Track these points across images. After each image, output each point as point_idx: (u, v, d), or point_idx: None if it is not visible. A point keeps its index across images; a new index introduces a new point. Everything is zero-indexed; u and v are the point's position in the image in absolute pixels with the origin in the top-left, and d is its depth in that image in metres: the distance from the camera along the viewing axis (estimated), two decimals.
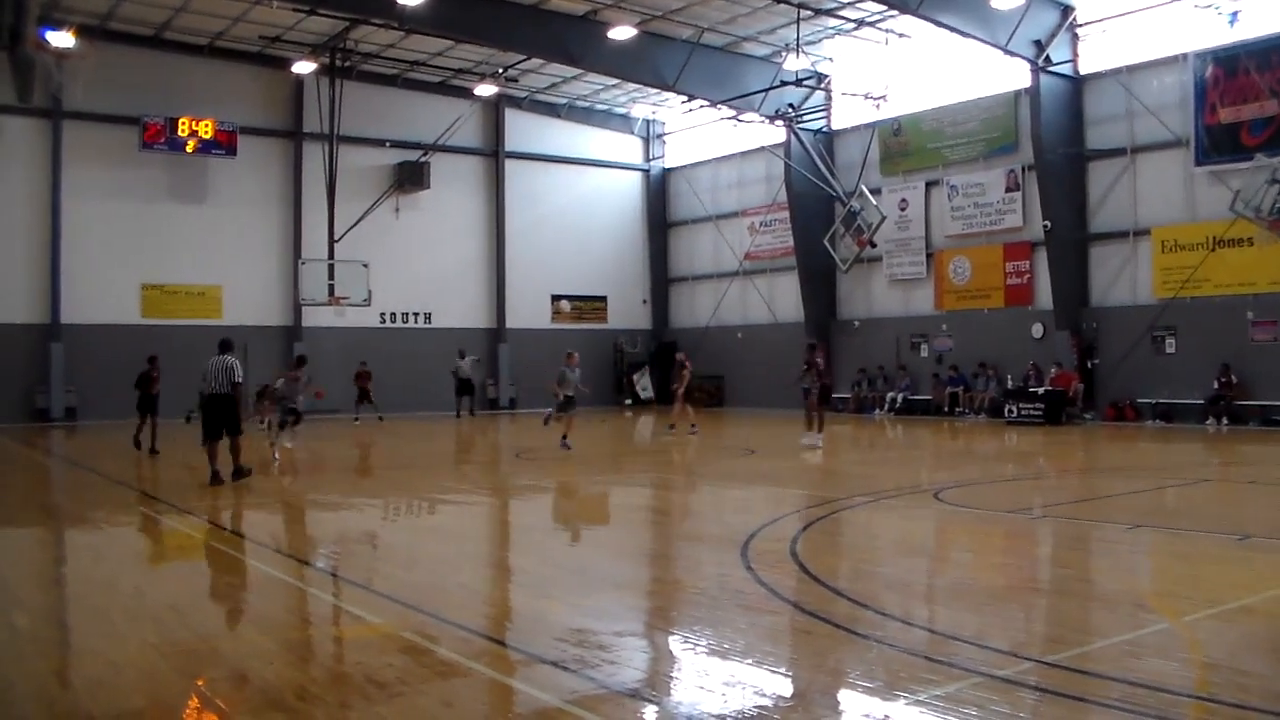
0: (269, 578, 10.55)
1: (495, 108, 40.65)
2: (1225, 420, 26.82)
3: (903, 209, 34.92)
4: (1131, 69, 29.14)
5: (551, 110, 41.93)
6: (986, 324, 32.73)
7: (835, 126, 37.44)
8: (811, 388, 24.18)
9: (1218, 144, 27.26)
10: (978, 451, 23.55)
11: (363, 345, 35.69)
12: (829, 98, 36.83)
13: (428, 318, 39.33)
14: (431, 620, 8.28)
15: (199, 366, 17.33)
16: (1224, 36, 27.06)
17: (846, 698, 6.49)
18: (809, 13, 31.11)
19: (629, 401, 42.40)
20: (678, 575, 10.64)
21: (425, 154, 38.07)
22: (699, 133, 42.77)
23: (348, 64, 35.72)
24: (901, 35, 32.97)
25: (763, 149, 38.41)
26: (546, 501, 15.52)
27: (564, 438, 22.46)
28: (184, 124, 34.07)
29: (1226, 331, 27.33)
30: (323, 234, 35.08)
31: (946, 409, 32.83)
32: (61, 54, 30.20)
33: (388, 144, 38.37)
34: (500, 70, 37.02)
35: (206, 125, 34.44)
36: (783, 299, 39.34)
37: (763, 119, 36.08)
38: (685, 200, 43.68)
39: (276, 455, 21.16)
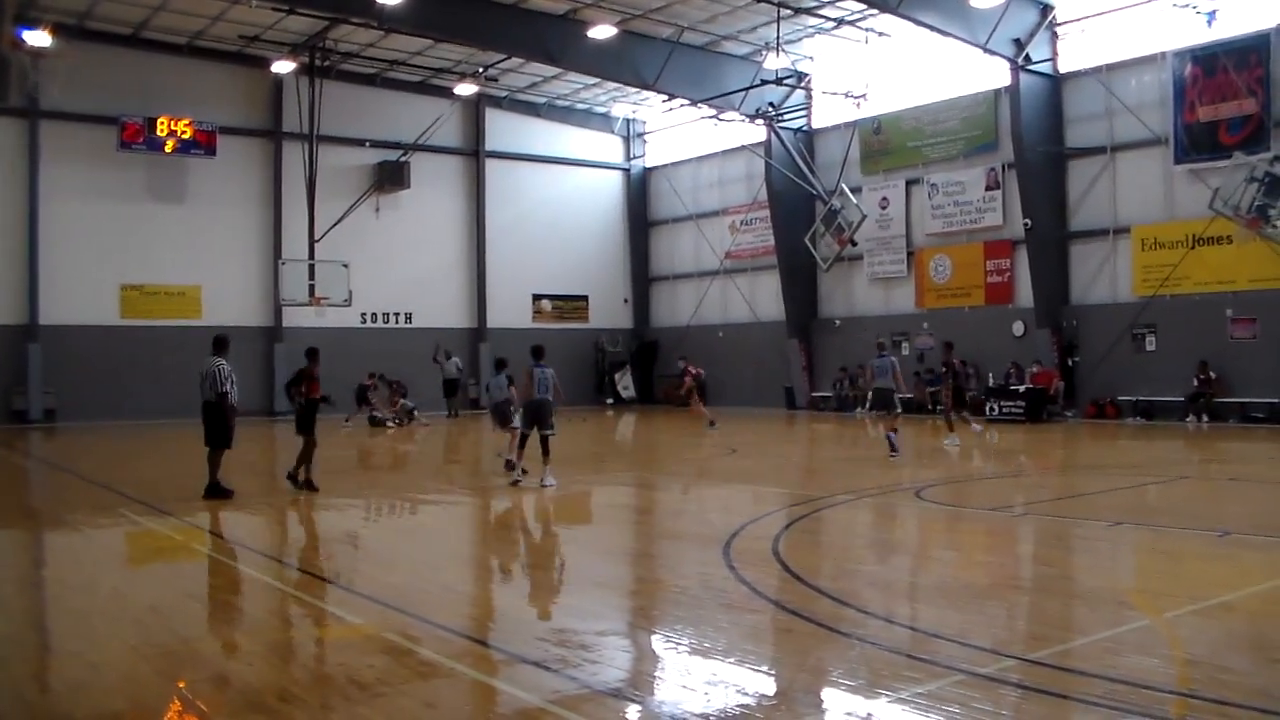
0: (250, 579, 10.52)
1: (475, 107, 40.58)
2: (1205, 417, 26.94)
3: (883, 207, 34.98)
4: (1111, 68, 29.25)
5: (532, 109, 41.88)
6: (967, 322, 32.79)
7: (816, 125, 37.49)
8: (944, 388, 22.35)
9: (1196, 142, 27.37)
10: (959, 449, 23.56)
11: (344, 346, 35.48)
12: (809, 96, 36.86)
13: (408, 317, 39.23)
14: (413, 621, 8.25)
15: (180, 367, 17.08)
16: (1202, 35, 27.19)
17: (829, 696, 6.50)
18: (789, 11, 31.13)
19: (610, 401, 42.38)
20: (660, 574, 10.63)
21: (405, 153, 37.95)
22: (679, 132, 42.77)
23: (327, 63, 35.58)
24: (881, 34, 33.01)
25: (743, 148, 38.43)
26: (528, 501, 15.49)
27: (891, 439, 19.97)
28: (163, 123, 33.92)
29: (1206, 329, 27.45)
30: (303, 234, 34.94)
31: (930, 407, 32.85)
32: (38, 53, 29.96)
33: (368, 143, 38.25)
34: (480, 69, 36.94)
35: (185, 125, 34.28)
36: (764, 298, 39.37)
37: (743, 118, 36.10)
38: (666, 199, 43.68)
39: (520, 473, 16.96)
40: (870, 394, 21.33)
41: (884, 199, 35.01)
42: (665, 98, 36.99)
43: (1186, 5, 27.10)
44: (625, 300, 44.58)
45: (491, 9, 31.27)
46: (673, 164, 43.43)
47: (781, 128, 36.42)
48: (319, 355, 16.73)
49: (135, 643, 7.69)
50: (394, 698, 6.34)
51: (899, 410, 20.93)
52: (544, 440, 16.54)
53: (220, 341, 15.76)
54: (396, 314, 39.05)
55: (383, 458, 24.16)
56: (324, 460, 23.23)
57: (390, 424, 31.61)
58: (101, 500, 16.01)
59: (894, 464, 19.14)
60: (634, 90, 38.53)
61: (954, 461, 20.48)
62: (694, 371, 30.17)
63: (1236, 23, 26.59)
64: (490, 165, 41.25)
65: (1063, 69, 30.37)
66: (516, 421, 17.67)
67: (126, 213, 34.34)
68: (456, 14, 31.04)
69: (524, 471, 16.78)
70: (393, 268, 38.24)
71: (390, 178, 38.00)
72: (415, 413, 32.46)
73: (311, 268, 34.37)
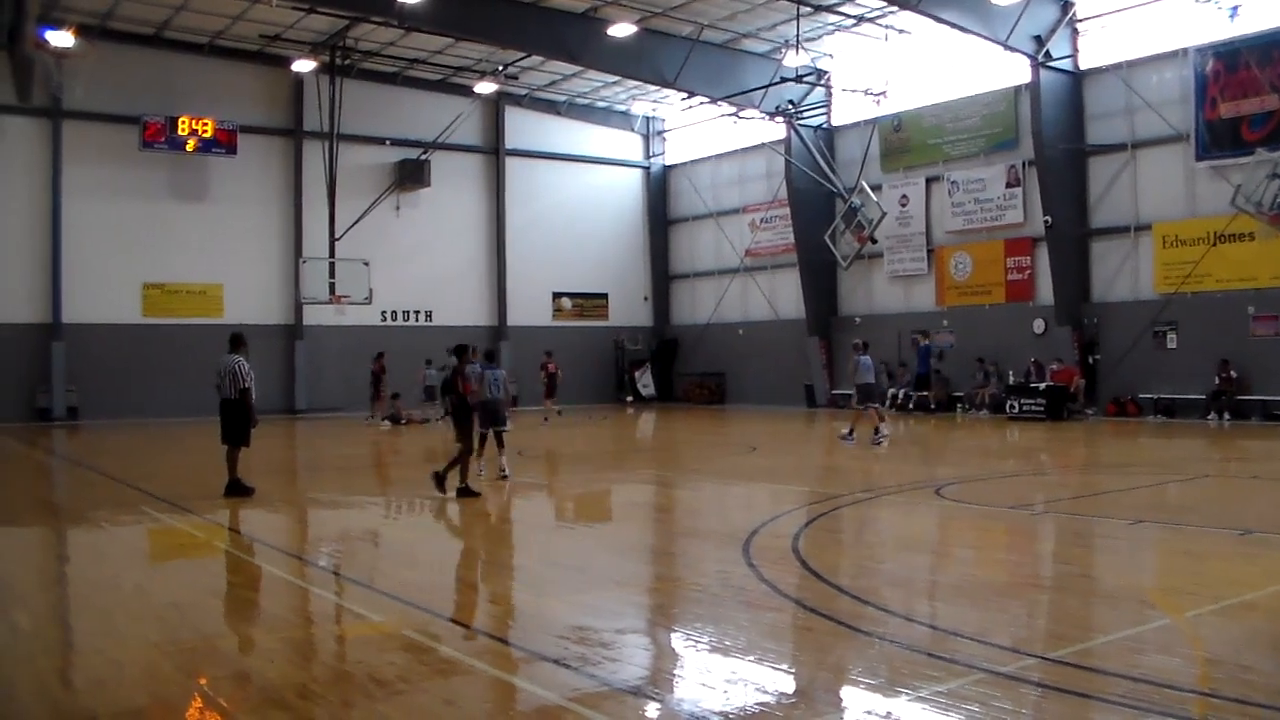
0: (271, 576, 10.56)
1: (495, 105, 40.63)
2: (1227, 415, 26.79)
3: (903, 205, 34.90)
4: (1132, 64, 29.10)
5: (551, 107, 41.91)
6: (988, 320, 32.71)
7: (836, 123, 37.39)
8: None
9: (1218, 139, 27.22)
10: (979, 447, 23.54)
11: (364, 344, 35.54)
12: (829, 94, 36.76)
13: (429, 315, 39.29)
14: (433, 618, 8.28)
15: (201, 365, 17.09)
16: (1224, 31, 27.02)
17: (848, 694, 6.49)
18: (809, 9, 31.07)
19: (630, 399, 42.39)
20: (679, 572, 10.64)
21: (425, 152, 38.04)
22: (699, 129, 42.74)
23: (348, 62, 35.68)
24: (901, 31, 32.94)
25: (763, 146, 38.37)
26: (547, 499, 15.51)
27: (849, 431, 22.88)
28: (184, 123, 34.03)
29: (1228, 326, 27.28)
30: (323, 232, 35.06)
31: (945, 405, 32.78)
32: (61, 53, 30.18)
33: (388, 142, 38.35)
34: (500, 68, 36.99)
35: (206, 124, 34.39)
36: (784, 296, 39.31)
37: (763, 115, 36.06)
38: (686, 197, 43.67)
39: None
40: (855, 390, 23.06)
41: (904, 196, 34.92)
42: (685, 95, 37.00)
43: (1209, 1, 26.94)
44: (645, 298, 44.58)
45: (511, 7, 31.28)
46: (692, 162, 43.40)
47: (801, 125, 36.36)
48: (469, 351, 16.34)
49: (157, 639, 7.74)
50: (414, 695, 6.37)
51: (877, 404, 23.11)
52: (498, 436, 17.10)
53: (237, 339, 15.73)
54: (417, 312, 39.13)
55: (396, 457, 24.21)
56: (340, 459, 23.37)
57: (369, 421, 31.50)
58: (123, 497, 16.11)
59: (881, 454, 20.93)
60: (654, 88, 38.49)
61: (971, 459, 20.42)
62: (552, 369, 31.82)
63: (1259, 18, 26.39)
64: (510, 163, 41.29)
65: (1083, 65, 30.22)
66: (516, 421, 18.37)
67: (148, 212, 34.50)
68: (476, 12, 31.08)
69: (481, 470, 17.06)
70: (413, 266, 38.31)
71: (410, 176, 38.08)
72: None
73: (332, 266, 34.46)
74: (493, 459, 17.43)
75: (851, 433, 22.90)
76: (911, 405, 33.06)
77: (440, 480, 15.19)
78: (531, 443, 24.31)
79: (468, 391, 15.67)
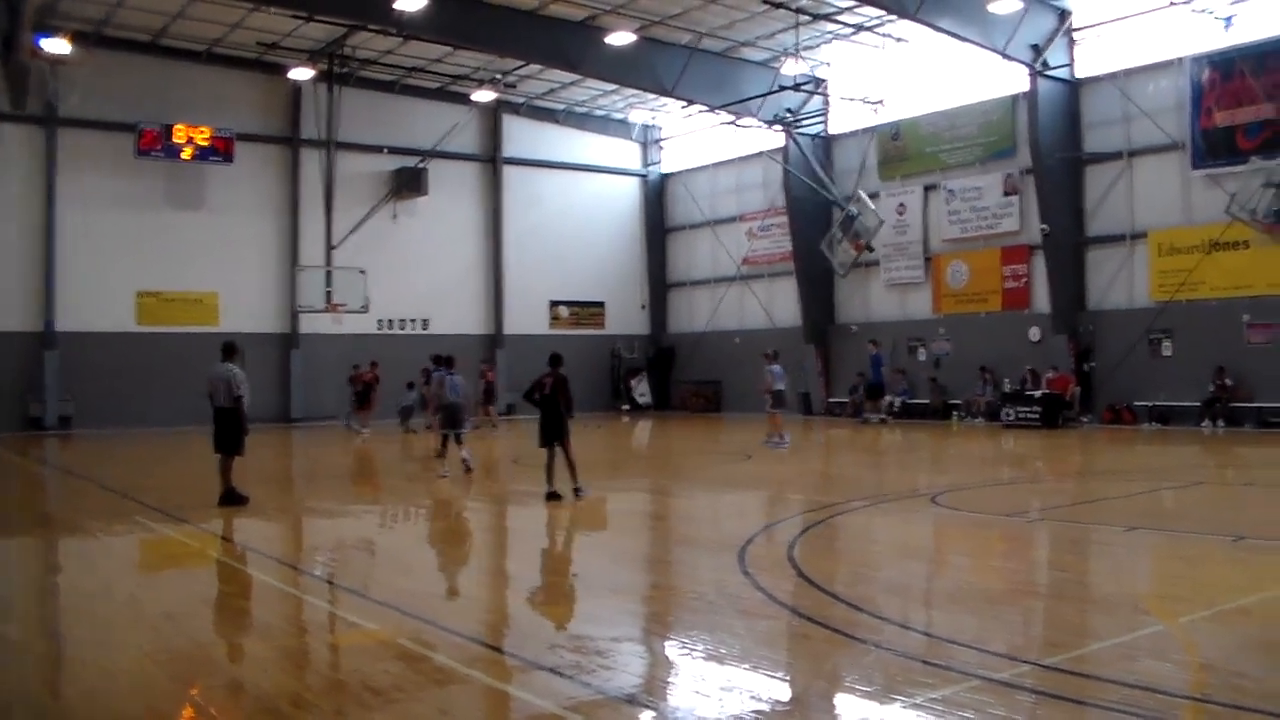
0: (264, 585, 10.55)
1: (493, 113, 40.65)
2: (1222, 422, 26.81)
3: (900, 213, 34.91)
4: (1128, 73, 29.16)
5: (549, 116, 41.92)
6: (984, 327, 32.72)
7: (833, 131, 37.41)
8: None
9: (1214, 147, 27.27)
10: (974, 455, 23.55)
11: (360, 352, 35.42)
12: (827, 103, 36.80)
13: (425, 324, 39.24)
14: (428, 627, 8.27)
15: (196, 374, 17.04)
16: (1219, 40, 27.09)
17: (843, 702, 6.50)
18: (807, 18, 31.11)
19: (626, 407, 42.36)
20: (675, 581, 10.63)
21: (423, 160, 38.06)
22: (697, 138, 42.76)
23: (345, 70, 35.69)
24: (899, 40, 32.94)
25: (761, 154, 38.38)
26: (542, 507, 15.48)
27: (769, 437, 24.71)
28: (180, 131, 33.95)
29: (1223, 334, 27.31)
30: (320, 241, 35.06)
31: (941, 412, 32.80)
32: (57, 61, 30.19)
33: (385, 150, 38.33)
34: (498, 76, 37.02)
35: (203, 132, 34.34)
36: (781, 304, 39.32)
37: (761, 124, 36.07)
38: (683, 205, 43.68)
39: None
40: (771, 396, 24.85)
41: (901, 205, 34.94)
42: (683, 104, 37.02)
43: (1204, 10, 27.01)
44: (642, 306, 44.57)
45: (510, 16, 31.28)
46: (690, 170, 43.41)
47: (799, 134, 36.40)
48: (561, 362, 16.60)
49: (150, 649, 7.72)
50: (408, 704, 6.35)
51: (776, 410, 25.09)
52: (457, 438, 19.43)
53: (229, 348, 15.69)
54: (413, 320, 39.09)
55: (392, 466, 24.18)
56: (335, 468, 23.34)
57: (362, 430, 31.35)
58: (117, 507, 16.08)
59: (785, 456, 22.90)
60: (652, 96, 38.46)
61: (967, 467, 20.43)
62: (491, 377, 33.17)
63: (1254, 27, 26.48)
64: (508, 172, 41.31)
65: (1080, 74, 30.28)
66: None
67: (144, 220, 34.42)
68: (475, 21, 31.06)
69: (445, 473, 19.03)
70: (410, 274, 38.27)
71: (408, 184, 38.05)
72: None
73: (329, 274, 34.48)
74: (454, 459, 19.32)
75: (782, 436, 24.81)
76: (869, 417, 33.11)
77: (576, 491, 15.61)
78: (526, 450, 24.24)
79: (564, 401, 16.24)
